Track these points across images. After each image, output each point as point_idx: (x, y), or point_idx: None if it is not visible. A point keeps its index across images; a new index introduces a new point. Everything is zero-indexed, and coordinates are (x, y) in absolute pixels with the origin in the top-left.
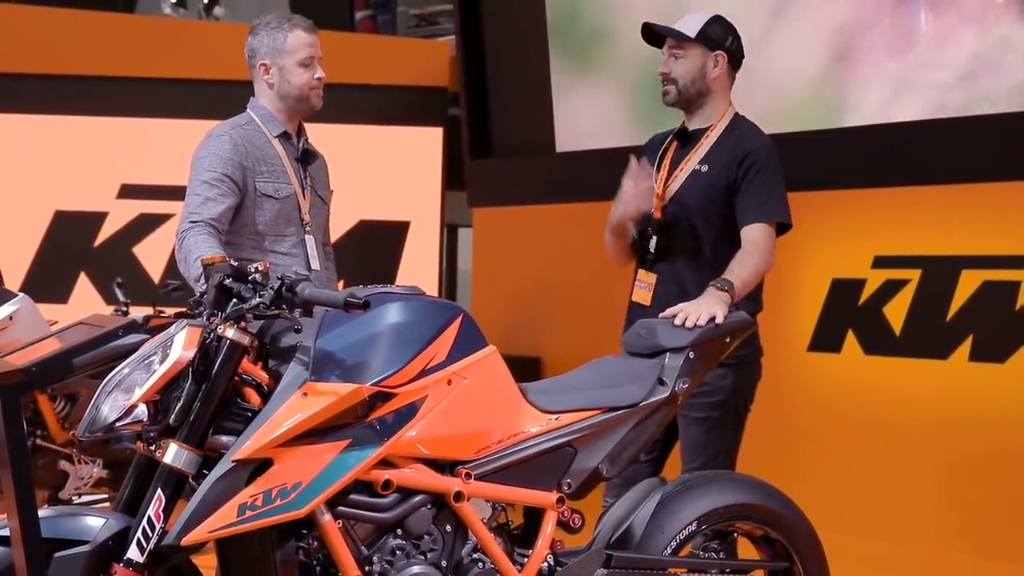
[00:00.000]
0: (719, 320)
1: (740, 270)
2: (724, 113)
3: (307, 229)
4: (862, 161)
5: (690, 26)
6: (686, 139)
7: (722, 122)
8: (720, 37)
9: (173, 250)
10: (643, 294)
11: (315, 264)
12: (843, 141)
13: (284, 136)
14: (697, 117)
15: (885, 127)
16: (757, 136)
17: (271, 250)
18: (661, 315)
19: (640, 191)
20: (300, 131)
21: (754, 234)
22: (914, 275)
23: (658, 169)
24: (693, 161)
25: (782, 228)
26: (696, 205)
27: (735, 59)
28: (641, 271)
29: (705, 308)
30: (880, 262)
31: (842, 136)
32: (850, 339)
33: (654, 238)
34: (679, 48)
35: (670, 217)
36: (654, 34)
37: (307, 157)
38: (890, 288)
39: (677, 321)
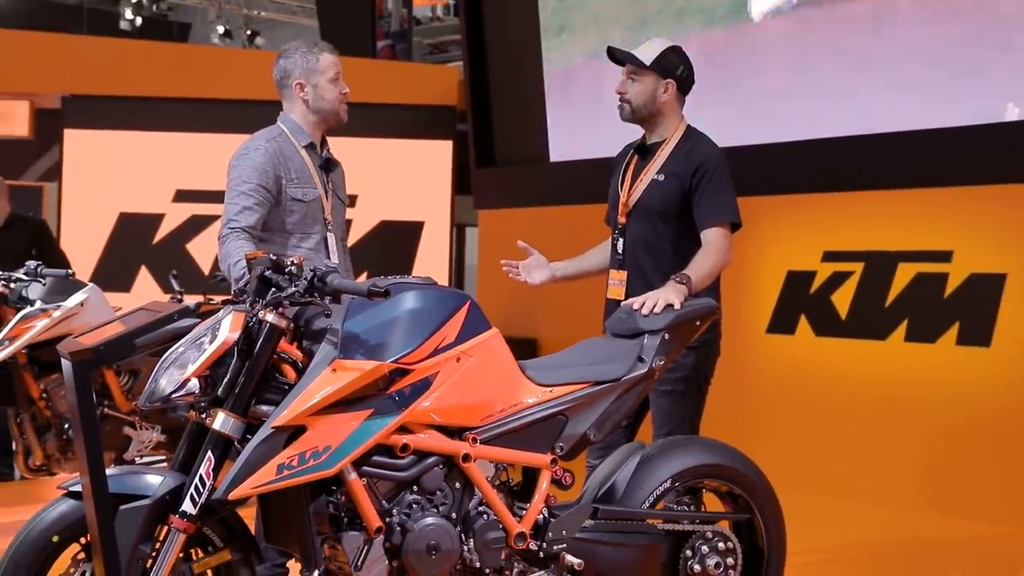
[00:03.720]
0: (676, 306)
1: (698, 267)
2: (676, 128)
3: (329, 228)
4: (813, 170)
5: (647, 54)
6: (645, 152)
7: (675, 136)
8: (672, 66)
9: None
10: (617, 290)
11: (334, 258)
12: (797, 152)
13: (310, 146)
14: (653, 133)
15: (832, 140)
16: (708, 147)
17: (298, 246)
18: (623, 303)
19: (529, 265)
20: (323, 142)
21: (711, 236)
22: (857, 268)
23: (623, 179)
24: (651, 172)
25: (736, 227)
26: (655, 210)
27: (684, 86)
28: (612, 271)
29: (663, 297)
30: (828, 256)
31: (796, 148)
32: (803, 323)
33: (621, 240)
34: (635, 72)
35: (634, 221)
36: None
37: (329, 165)
38: (837, 279)
39: (636, 306)
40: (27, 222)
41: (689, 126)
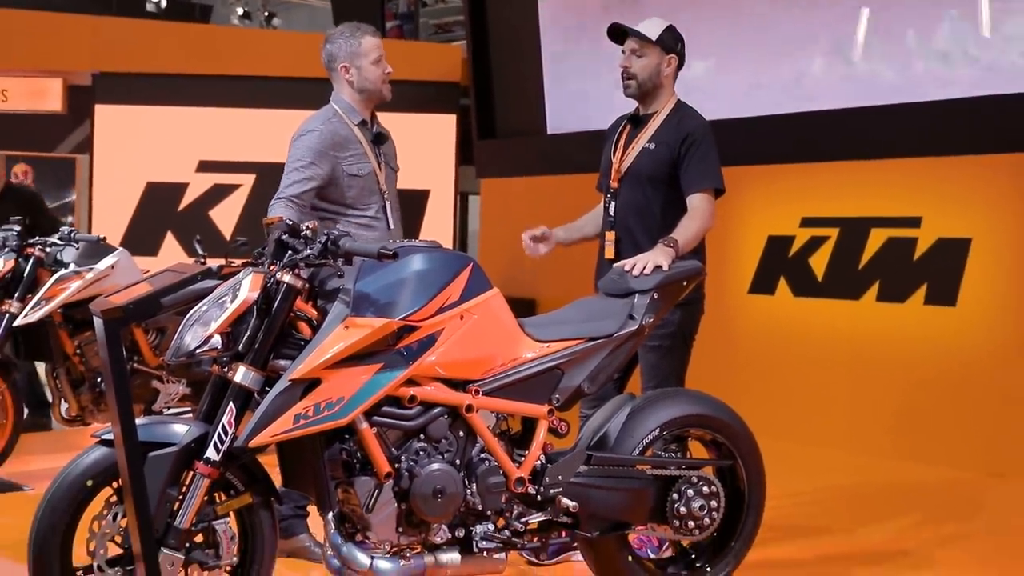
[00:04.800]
0: (664, 268)
1: (684, 231)
2: (668, 101)
3: (385, 197)
4: (793, 141)
5: (652, 30)
6: (637, 122)
7: (666, 108)
8: (673, 42)
9: (241, 212)
10: (609, 250)
11: (392, 225)
12: (778, 125)
13: (362, 123)
14: (648, 106)
15: (811, 114)
16: (696, 119)
17: (361, 215)
18: (615, 265)
19: (536, 240)
20: (373, 118)
21: (696, 202)
22: (833, 232)
23: (615, 147)
24: (643, 140)
25: (719, 192)
26: (646, 176)
27: (681, 62)
28: (605, 232)
29: (652, 259)
30: (806, 222)
31: (777, 121)
32: (782, 284)
33: (612, 204)
34: (641, 48)
35: (625, 187)
36: (615, 33)
37: (379, 139)
38: (814, 243)
39: (627, 268)
40: (20, 192)
41: (679, 100)
